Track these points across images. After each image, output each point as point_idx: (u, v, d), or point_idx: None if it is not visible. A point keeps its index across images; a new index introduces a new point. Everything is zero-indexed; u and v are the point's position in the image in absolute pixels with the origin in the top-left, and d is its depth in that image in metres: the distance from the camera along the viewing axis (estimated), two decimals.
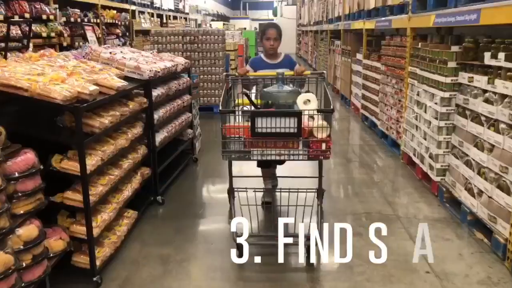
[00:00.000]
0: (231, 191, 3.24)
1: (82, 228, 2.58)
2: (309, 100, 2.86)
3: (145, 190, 3.69)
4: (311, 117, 2.70)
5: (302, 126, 2.64)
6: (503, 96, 2.98)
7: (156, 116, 3.81)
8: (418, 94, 4.43)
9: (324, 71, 3.57)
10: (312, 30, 16.86)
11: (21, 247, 2.04)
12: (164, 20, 17.25)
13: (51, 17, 7.78)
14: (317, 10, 15.09)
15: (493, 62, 3.10)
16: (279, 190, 3.47)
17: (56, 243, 2.40)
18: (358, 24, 7.62)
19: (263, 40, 3.69)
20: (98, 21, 10.09)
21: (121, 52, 4.07)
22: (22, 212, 2.14)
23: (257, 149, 2.71)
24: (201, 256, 3.09)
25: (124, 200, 3.13)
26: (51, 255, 2.33)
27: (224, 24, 26.88)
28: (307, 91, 3.24)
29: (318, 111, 2.73)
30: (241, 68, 3.55)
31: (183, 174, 4.71)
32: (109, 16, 11.18)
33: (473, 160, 3.34)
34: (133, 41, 12.29)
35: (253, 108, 3.22)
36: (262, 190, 3.70)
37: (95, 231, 2.62)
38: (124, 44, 11.50)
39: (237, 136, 2.76)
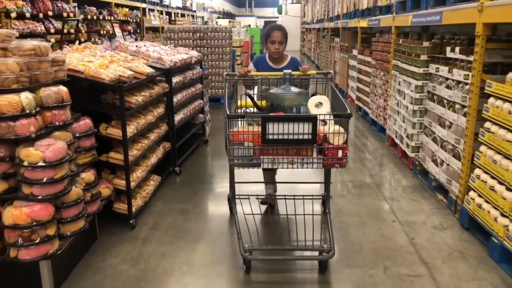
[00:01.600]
0: (232, 199, 3.23)
1: (122, 181, 3.31)
2: (321, 103, 2.69)
3: (165, 162, 4.43)
4: (324, 121, 2.51)
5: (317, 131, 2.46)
6: (458, 82, 3.68)
7: (175, 99, 4.54)
8: (399, 84, 5.13)
9: (331, 71, 3.38)
10: (315, 28, 17.52)
11: (83, 187, 2.77)
12: (173, 18, 18.00)
13: (71, 14, 8.52)
14: (319, 8, 15.76)
15: (452, 55, 3.80)
16: (283, 197, 3.13)
17: (104, 190, 3.14)
18: (354, 23, 8.32)
19: (268, 43, 3.47)
20: (112, 18, 10.84)
21: (145, 45, 4.80)
22: (82, 163, 2.87)
23: (268, 156, 2.51)
24: (212, 209, 3.82)
25: (151, 165, 3.87)
26: (101, 198, 3.06)
27: (229, 21, 27.62)
28: (315, 93, 3.08)
29: (336, 115, 2.53)
30: (242, 68, 3.35)
31: (195, 153, 5.44)
32: (121, 13, 11.91)
33: (438, 136, 4.04)
34: (143, 37, 13.01)
35: (255, 110, 3.15)
36: (264, 197, 3.63)
37: (132, 184, 3.35)
38: (135, 40, 12.22)
39: (245, 142, 2.56)
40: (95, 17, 9.67)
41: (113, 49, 4.57)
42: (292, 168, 2.52)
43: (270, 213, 3.54)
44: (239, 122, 2.65)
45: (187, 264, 2.91)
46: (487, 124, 3.08)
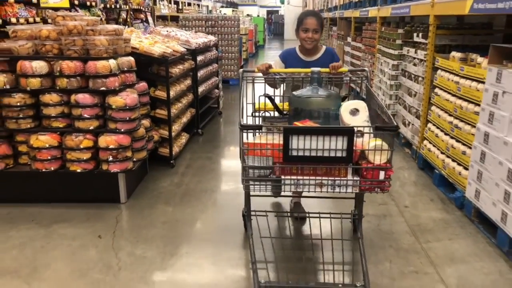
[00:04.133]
0: (248, 215, 2.76)
1: (165, 132, 4.44)
2: (357, 110, 2.22)
3: (191, 125, 5.55)
4: (360, 132, 2.04)
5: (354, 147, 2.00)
6: (421, 60, 4.78)
7: (198, 74, 5.66)
8: (381, 64, 6.24)
9: (366, 68, 2.90)
10: None
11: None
12: (180, 7, 19.00)
13: (93, 3, 9.58)
14: None
15: (417, 39, 4.90)
16: (308, 215, 2.80)
17: (155, 135, 4.27)
18: (348, 13, 9.38)
19: (300, 31, 2.97)
20: (127, 7, 11.87)
21: (173, 31, 5.91)
22: (142, 114, 3.99)
23: (290, 177, 2.07)
24: (230, 157, 4.96)
25: (183, 123, 4.99)
26: (153, 140, 4.19)
27: (233, 10, 28.53)
28: (347, 95, 2.73)
29: (378, 128, 2.03)
30: (262, 64, 2.81)
31: (212, 121, 6.57)
32: (135, 2, 12.94)
33: (407, 104, 5.16)
34: (155, 25, 14.05)
35: (276, 114, 2.74)
36: (285, 214, 3.26)
37: (173, 134, 4.48)
38: (146, 28, 13.27)
39: (263, 157, 2.11)
40: (113, 6, 10.73)
41: (148, 33, 5.68)
42: (321, 191, 2.06)
43: (291, 232, 3.11)
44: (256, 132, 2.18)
45: (215, 187, 4.05)
46: (436, 90, 4.20)
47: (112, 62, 3.44)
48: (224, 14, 16.02)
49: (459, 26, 4.64)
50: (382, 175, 2.04)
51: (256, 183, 2.12)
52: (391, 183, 2.10)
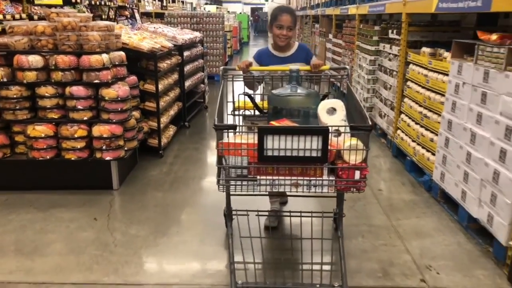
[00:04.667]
0: (228, 214, 2.80)
1: (154, 123, 4.66)
2: (334, 109, 2.20)
3: (178, 118, 5.78)
4: (337, 132, 2.03)
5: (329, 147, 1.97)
6: (395, 55, 5.09)
7: (185, 69, 5.88)
8: (359, 60, 6.55)
9: (347, 66, 2.92)
10: (299, 15, 18.83)
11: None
12: (164, 4, 19.08)
13: (78, 0, 9.69)
14: None
15: (392, 36, 5.21)
16: (289, 214, 2.71)
17: (144, 127, 4.49)
18: (330, 11, 9.68)
19: (273, 27, 2.94)
20: (112, 4, 11.99)
21: (160, 27, 6.12)
22: (132, 106, 4.21)
23: (266, 177, 2.06)
24: (213, 147, 5.20)
25: (171, 116, 5.22)
26: (143, 131, 4.42)
27: (217, 7, 28.68)
28: (326, 94, 2.68)
29: (353, 128, 2.03)
30: (242, 61, 2.80)
31: (198, 115, 6.81)
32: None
33: (383, 97, 5.47)
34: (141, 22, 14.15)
35: (255, 113, 2.72)
36: (267, 213, 3.13)
37: (161, 125, 4.71)
38: (132, 24, 13.41)
39: (238, 157, 2.12)
40: (98, 3, 10.84)
41: (136, 29, 5.88)
42: (297, 192, 2.04)
43: (271, 233, 3.08)
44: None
45: (203, 175, 4.30)
46: (408, 83, 4.51)
47: (104, 56, 3.65)
48: (209, 11, 16.22)
49: (430, 24, 4.96)
50: (357, 174, 2.03)
51: (231, 182, 2.12)
52: (366, 182, 2.09)
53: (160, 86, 4.70)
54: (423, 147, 4.07)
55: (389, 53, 5.32)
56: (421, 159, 4.06)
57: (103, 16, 11.17)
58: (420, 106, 4.17)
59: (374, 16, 6.63)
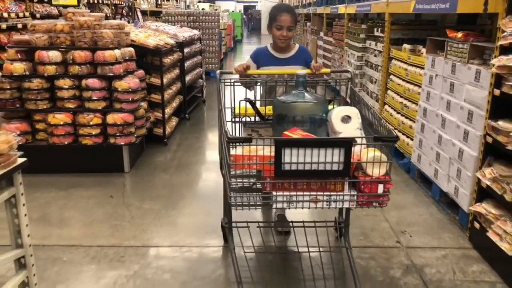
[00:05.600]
0: (229, 230, 2.62)
1: (159, 114, 5.07)
2: (349, 117, 2.09)
3: (179, 111, 6.19)
4: (354, 141, 1.85)
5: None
6: (380, 52, 5.55)
7: (185, 65, 6.29)
8: (348, 56, 7.00)
9: (350, 69, 2.73)
10: None
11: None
12: (159, 2, 19.41)
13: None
14: None
15: (377, 33, 5.66)
16: (292, 224, 2.59)
17: (151, 116, 4.90)
18: (321, 9, 10.13)
19: (273, 28, 2.83)
20: (109, 2, 12.33)
21: (161, 25, 6.52)
22: (140, 97, 4.61)
23: (283, 193, 1.88)
24: (214, 137, 5.63)
25: (174, 108, 5.63)
26: (150, 120, 4.83)
27: (210, 5, 28.99)
28: (332, 100, 2.46)
29: (377, 139, 1.86)
30: (240, 64, 2.70)
31: (197, 108, 7.22)
32: None
33: (369, 90, 5.93)
34: (135, 20, 14.51)
35: (255, 119, 2.55)
36: (268, 224, 3.06)
37: (166, 116, 5.12)
38: (128, 22, 13.77)
39: (250, 171, 2.00)
40: (95, 1, 11.18)
41: (139, 27, 6.27)
42: (316, 208, 1.89)
43: (275, 243, 2.87)
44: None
45: (204, 160, 4.74)
46: (391, 76, 4.96)
47: (117, 52, 4.06)
48: (203, 9, 16.58)
49: (412, 22, 5.41)
50: (380, 188, 1.87)
51: (244, 200, 1.94)
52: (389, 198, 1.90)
53: (165, 80, 5.11)
54: (403, 134, 4.52)
55: (375, 50, 5.78)
56: (401, 145, 4.52)
57: (108, 15, 11.54)
58: (401, 97, 4.63)
59: (362, 15, 7.08)
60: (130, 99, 4.09)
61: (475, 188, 2.96)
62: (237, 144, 1.85)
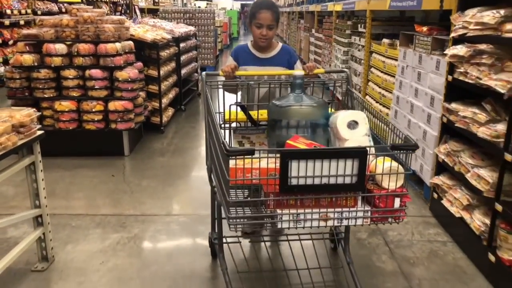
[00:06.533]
0: (219, 247, 2.41)
1: (156, 103, 5.45)
2: (356, 122, 1.92)
3: (175, 102, 6.57)
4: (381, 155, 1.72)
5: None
6: (363, 46, 5.94)
7: (181, 58, 6.67)
8: (336, 51, 7.39)
9: (346, 69, 2.55)
10: (286, 11, 19.66)
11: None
12: (156, 0, 19.77)
13: None
14: None
15: (360, 29, 6.05)
16: (286, 238, 2.46)
17: (149, 105, 5.28)
18: (312, 7, 10.52)
19: (252, 26, 2.65)
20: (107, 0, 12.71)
21: (158, 21, 6.90)
22: (138, 87, 4.99)
23: (289, 211, 1.67)
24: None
25: (170, 98, 6.02)
26: (148, 109, 5.21)
27: (207, 4, 29.34)
28: (329, 102, 2.28)
29: (394, 148, 1.69)
30: (226, 65, 2.49)
31: (192, 100, 7.61)
32: None
33: (354, 83, 6.32)
34: (141, 17, 14.88)
35: (247, 124, 2.37)
36: (261, 238, 2.80)
37: (163, 105, 5.50)
38: (133, 19, 14.14)
39: (250, 186, 1.70)
40: None
41: (138, 23, 6.65)
42: (326, 226, 1.73)
43: (270, 259, 2.66)
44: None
45: (199, 146, 5.12)
46: (372, 69, 5.36)
47: (118, 45, 4.44)
48: (199, 7, 16.94)
49: (391, 19, 5.81)
50: (397, 202, 1.69)
51: (245, 220, 1.73)
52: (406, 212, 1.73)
53: (161, 72, 5.49)
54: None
55: (359, 45, 6.17)
56: (378, 131, 4.91)
57: (107, 13, 11.90)
58: (379, 87, 5.02)
59: (349, 12, 7.47)
60: (130, 88, 4.47)
61: (435, 163, 3.36)
62: (239, 157, 1.58)
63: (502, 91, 2.35)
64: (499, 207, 2.41)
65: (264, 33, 2.61)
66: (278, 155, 1.59)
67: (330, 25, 8.31)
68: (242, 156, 1.58)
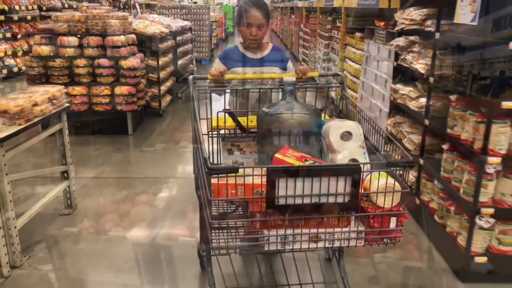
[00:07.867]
0: (208, 260, 2.26)
1: (156, 90, 6.15)
2: (349, 133, 1.77)
3: (172, 91, 7.26)
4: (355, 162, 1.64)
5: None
6: (339, 39, 6.64)
7: (178, 51, 7.36)
8: (319, 45, 8.10)
9: (341, 73, 2.52)
10: (280, 7, 20.33)
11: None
12: None
13: None
14: None
15: (338, 24, 6.75)
16: (276, 250, 1.96)
17: (149, 91, 5.98)
18: (301, 3, 11.21)
19: (241, 26, 2.49)
20: None
21: (157, 17, 7.58)
22: (140, 74, 5.68)
23: (276, 232, 1.55)
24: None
25: (168, 86, 6.72)
26: (149, 95, 5.91)
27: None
28: (323, 109, 2.16)
29: (390, 164, 1.59)
30: (215, 69, 2.36)
31: (188, 89, 8.25)
32: None
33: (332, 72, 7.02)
34: (142, 13, 15.51)
35: (236, 131, 2.21)
36: (253, 249, 2.09)
37: (161, 92, 6.20)
38: (134, 15, 14.80)
39: (232, 202, 1.68)
40: None
41: (138, 18, 7.33)
42: (317, 248, 1.62)
43: (261, 275, 2.48)
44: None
45: None
46: (346, 60, 6.07)
47: (122, 37, 5.13)
48: (195, 2, 17.60)
49: (365, 15, 6.51)
50: (393, 222, 1.58)
51: (230, 245, 1.61)
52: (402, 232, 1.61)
53: (160, 62, 6.18)
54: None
55: (337, 38, 6.88)
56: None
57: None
58: (352, 76, 5.73)
59: (331, 8, 8.17)
60: (133, 75, 5.16)
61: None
62: (222, 175, 1.47)
63: (423, 72, 3.07)
64: (421, 162, 3.13)
65: (254, 33, 2.45)
66: (265, 169, 1.48)
67: (315, 20, 9.01)
68: (225, 174, 1.47)
